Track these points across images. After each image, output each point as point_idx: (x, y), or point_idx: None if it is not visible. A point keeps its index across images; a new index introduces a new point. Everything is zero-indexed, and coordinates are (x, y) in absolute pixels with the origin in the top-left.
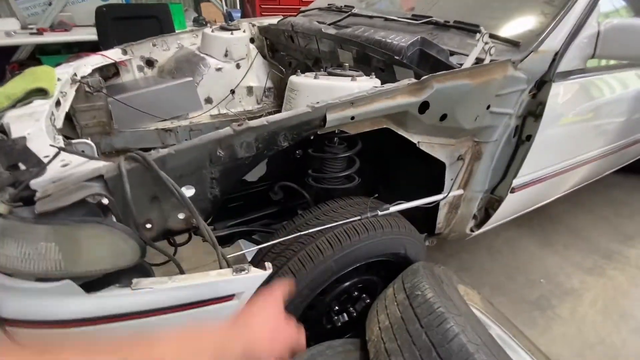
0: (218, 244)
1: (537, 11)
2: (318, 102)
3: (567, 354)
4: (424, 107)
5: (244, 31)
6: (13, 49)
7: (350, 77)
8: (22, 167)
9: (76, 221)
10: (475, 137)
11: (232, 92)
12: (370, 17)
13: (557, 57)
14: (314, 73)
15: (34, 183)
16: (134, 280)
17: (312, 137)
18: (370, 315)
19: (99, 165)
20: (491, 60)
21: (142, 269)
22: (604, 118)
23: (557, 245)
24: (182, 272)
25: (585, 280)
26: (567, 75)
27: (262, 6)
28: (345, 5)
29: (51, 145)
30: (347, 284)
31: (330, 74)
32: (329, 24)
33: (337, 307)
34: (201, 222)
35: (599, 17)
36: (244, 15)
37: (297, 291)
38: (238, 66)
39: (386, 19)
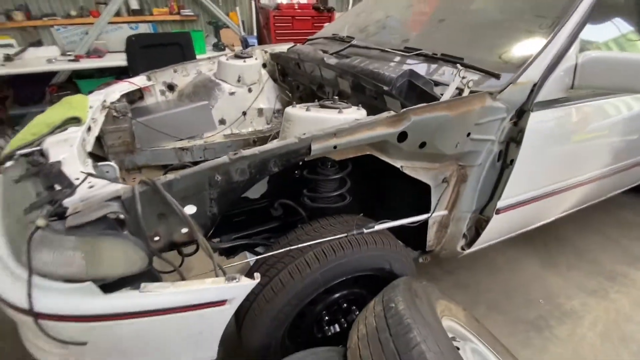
0: (214, 255)
1: (519, 45)
2: (304, 134)
3: None
4: (402, 136)
5: (256, 58)
6: (53, 72)
7: (337, 110)
8: (58, 187)
9: (98, 234)
10: (460, 161)
11: (244, 113)
12: (368, 48)
13: (536, 88)
14: (307, 105)
15: (67, 202)
16: (142, 285)
17: (301, 162)
18: (354, 325)
19: (118, 187)
20: (470, 92)
21: (150, 276)
22: (588, 144)
23: (560, 266)
24: (184, 279)
25: (587, 302)
26: (547, 104)
27: (277, 31)
28: (347, 36)
29: (81, 172)
30: (336, 295)
31: (321, 106)
32: (331, 54)
33: (327, 317)
34: (199, 237)
35: (578, 50)
36: (261, 40)
37: (287, 300)
38: (250, 90)
39: (382, 51)
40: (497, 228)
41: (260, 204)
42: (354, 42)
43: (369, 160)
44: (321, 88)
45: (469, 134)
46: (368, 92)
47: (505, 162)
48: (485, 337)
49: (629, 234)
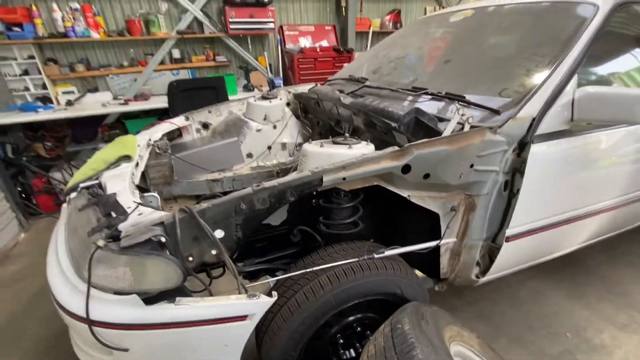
0: (239, 275)
1: (517, 83)
2: (317, 167)
3: None
4: (406, 169)
5: (281, 98)
6: (105, 114)
7: (347, 145)
8: (114, 214)
9: (144, 253)
10: (467, 191)
11: (269, 148)
12: (380, 88)
13: (535, 122)
14: (321, 142)
15: (121, 226)
16: (177, 299)
17: (314, 192)
18: (365, 346)
19: (161, 214)
20: (471, 127)
21: (183, 292)
22: (596, 173)
23: (588, 298)
24: (212, 296)
25: (618, 337)
26: (548, 136)
27: (301, 72)
28: (361, 77)
29: (133, 202)
30: (350, 319)
31: (334, 142)
32: (347, 93)
33: (342, 341)
34: (226, 257)
35: (576, 86)
36: (286, 80)
37: (302, 319)
38: (274, 127)
39: (392, 90)
40: (510, 256)
41: (281, 231)
42: (367, 82)
43: (382, 190)
44: (339, 124)
45: (472, 165)
46: (379, 128)
47: (512, 191)
48: None
49: None
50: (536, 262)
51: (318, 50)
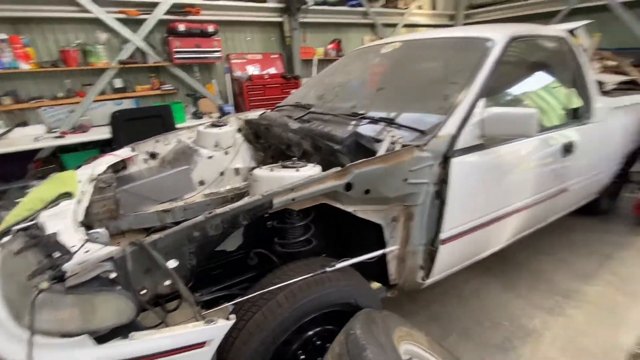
0: (197, 305)
1: (438, 106)
2: (267, 191)
3: None
4: (348, 186)
5: (231, 125)
6: (37, 149)
7: (295, 169)
8: (57, 254)
9: (93, 290)
10: (404, 202)
11: (222, 174)
12: (324, 113)
13: (453, 139)
14: (271, 166)
15: (65, 266)
16: (131, 334)
17: (266, 215)
18: (324, 357)
19: (110, 249)
20: (402, 146)
21: (137, 327)
22: (509, 179)
23: (520, 289)
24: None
25: (546, 320)
26: (466, 150)
27: (251, 99)
28: (307, 104)
29: (80, 239)
30: (309, 333)
31: (283, 166)
32: (295, 119)
33: (303, 357)
34: (180, 285)
35: (484, 107)
36: (237, 107)
37: (261, 340)
38: (226, 153)
39: (334, 115)
40: (448, 257)
41: (237, 256)
42: (313, 108)
43: (330, 207)
44: (289, 148)
45: (405, 179)
46: (324, 151)
47: (442, 199)
48: (447, 358)
49: (577, 252)
50: (472, 261)
51: (266, 77)
